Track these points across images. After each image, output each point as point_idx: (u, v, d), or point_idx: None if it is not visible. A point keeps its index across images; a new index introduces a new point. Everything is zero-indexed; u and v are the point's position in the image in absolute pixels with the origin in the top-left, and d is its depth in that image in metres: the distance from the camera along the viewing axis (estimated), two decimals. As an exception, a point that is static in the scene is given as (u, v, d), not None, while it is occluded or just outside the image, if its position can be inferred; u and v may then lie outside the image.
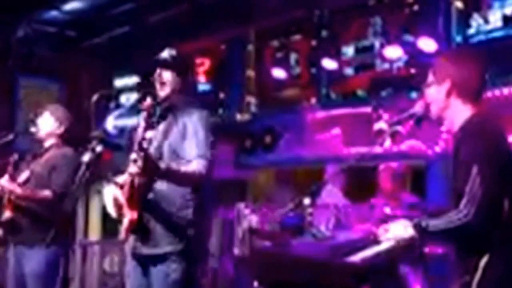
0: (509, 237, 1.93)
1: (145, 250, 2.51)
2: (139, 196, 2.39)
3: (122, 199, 2.43)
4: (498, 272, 1.90)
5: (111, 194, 2.47)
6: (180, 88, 2.61)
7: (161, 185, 2.46)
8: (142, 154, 2.17)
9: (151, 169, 2.26)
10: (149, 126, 2.34)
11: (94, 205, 7.45)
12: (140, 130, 2.37)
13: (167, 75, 2.58)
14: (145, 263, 2.53)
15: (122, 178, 2.51)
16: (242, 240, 4.17)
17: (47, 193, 3.35)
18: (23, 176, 3.38)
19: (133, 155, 2.20)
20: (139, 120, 2.54)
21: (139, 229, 2.44)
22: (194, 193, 2.50)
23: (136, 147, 2.21)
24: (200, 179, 2.44)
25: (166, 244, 2.46)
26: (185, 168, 2.43)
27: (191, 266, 2.51)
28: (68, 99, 7.21)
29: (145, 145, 2.20)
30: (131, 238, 2.54)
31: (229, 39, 6.87)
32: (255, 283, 2.85)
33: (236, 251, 4.29)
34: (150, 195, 2.46)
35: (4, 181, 3.31)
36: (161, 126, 2.56)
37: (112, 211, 2.48)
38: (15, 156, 3.42)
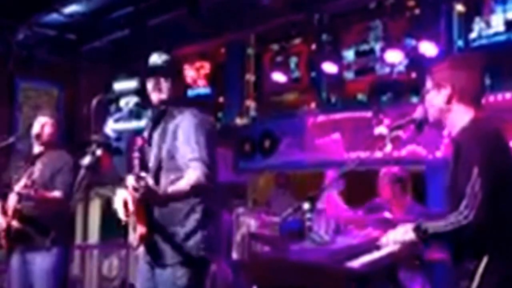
0: (506, 242, 1.92)
1: (152, 260, 2.51)
2: (143, 210, 2.38)
3: (131, 204, 2.40)
4: (495, 279, 1.89)
5: (121, 198, 2.45)
6: (173, 92, 2.59)
7: None
8: (142, 184, 2.16)
9: (151, 200, 2.28)
10: (144, 167, 2.35)
11: (93, 209, 7.43)
12: (135, 162, 2.36)
13: (163, 81, 2.56)
14: (152, 267, 2.53)
15: (131, 181, 2.51)
16: (241, 245, 4.15)
17: (57, 193, 3.34)
18: (23, 181, 3.37)
19: (133, 183, 2.18)
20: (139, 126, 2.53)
21: (146, 242, 2.44)
22: (199, 199, 2.46)
23: (134, 177, 2.21)
24: (201, 185, 2.38)
25: (172, 256, 2.45)
26: (183, 182, 2.36)
27: (198, 271, 2.49)
28: (68, 103, 7.20)
29: (142, 183, 2.18)
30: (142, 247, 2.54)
31: (229, 42, 6.86)
32: (254, 288, 2.82)
33: (235, 255, 4.26)
34: (153, 209, 2.44)
35: (21, 188, 3.30)
36: (157, 131, 2.55)
37: (122, 215, 2.47)
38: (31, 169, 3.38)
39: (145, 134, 2.64)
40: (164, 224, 2.45)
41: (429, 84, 2.12)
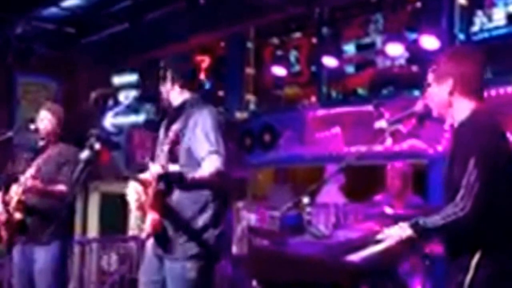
0: (500, 235, 1.91)
1: (162, 254, 2.52)
2: (161, 202, 2.39)
3: (143, 198, 2.41)
4: (489, 272, 1.88)
5: (134, 191, 2.45)
6: (188, 88, 2.63)
7: (177, 192, 2.44)
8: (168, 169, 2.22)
9: (178, 184, 2.32)
10: (174, 159, 2.38)
11: (93, 203, 7.43)
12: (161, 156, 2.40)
13: (163, 84, 2.63)
14: (161, 259, 2.54)
15: (144, 175, 2.49)
16: (240, 239, 4.14)
17: (62, 187, 3.35)
18: (29, 173, 3.36)
19: (158, 169, 2.23)
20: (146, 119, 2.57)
21: (158, 234, 2.44)
22: (213, 197, 2.49)
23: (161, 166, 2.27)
24: (220, 177, 2.41)
25: (183, 250, 2.46)
26: (205, 171, 2.40)
27: (207, 265, 2.51)
28: (67, 97, 7.18)
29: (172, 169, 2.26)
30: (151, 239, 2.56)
31: (229, 36, 6.83)
32: (254, 282, 2.82)
33: (234, 249, 4.26)
34: (167, 202, 2.45)
35: (26, 179, 3.30)
36: (174, 127, 2.55)
37: (134, 208, 2.47)
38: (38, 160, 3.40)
39: (162, 130, 2.67)
40: (177, 219, 2.46)
41: (430, 77, 2.10)
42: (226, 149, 2.47)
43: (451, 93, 2.04)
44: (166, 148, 2.45)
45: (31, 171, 3.32)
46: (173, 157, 2.46)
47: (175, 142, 2.42)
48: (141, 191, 2.41)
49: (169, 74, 2.60)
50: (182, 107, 2.59)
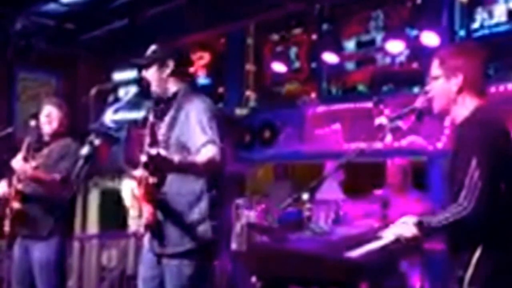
0: (501, 232, 1.92)
1: (158, 249, 2.51)
2: (153, 195, 2.38)
3: (138, 193, 2.41)
4: (490, 268, 1.90)
5: (129, 188, 2.46)
6: (175, 78, 2.59)
7: (170, 184, 2.43)
8: (154, 152, 2.15)
9: (164, 168, 2.24)
10: (154, 142, 2.29)
11: (92, 199, 7.42)
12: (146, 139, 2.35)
13: (148, 73, 2.58)
14: (157, 255, 2.53)
15: (139, 172, 2.49)
16: (240, 235, 4.13)
17: (55, 175, 3.35)
18: (19, 156, 3.37)
19: (143, 158, 2.18)
20: (143, 116, 2.56)
21: (153, 228, 2.44)
22: (207, 187, 2.47)
23: (145, 152, 2.20)
24: (215, 166, 2.39)
25: (178, 244, 2.45)
26: (197, 157, 2.37)
27: (204, 261, 2.50)
28: (67, 92, 7.18)
29: (153, 152, 2.15)
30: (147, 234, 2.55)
31: (229, 32, 6.82)
32: (253, 279, 2.82)
33: (233, 246, 4.25)
34: (161, 195, 2.43)
35: (16, 161, 3.30)
36: (166, 119, 2.54)
37: (130, 204, 2.47)
38: (28, 139, 3.41)
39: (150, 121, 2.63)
40: (171, 212, 2.44)
41: (437, 71, 2.08)
42: (221, 139, 2.44)
43: (459, 90, 2.03)
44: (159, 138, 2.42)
45: (19, 156, 3.31)
46: (165, 147, 2.43)
47: (153, 126, 2.39)
48: (135, 187, 2.41)
49: (170, 62, 2.56)
50: (174, 97, 2.56)
